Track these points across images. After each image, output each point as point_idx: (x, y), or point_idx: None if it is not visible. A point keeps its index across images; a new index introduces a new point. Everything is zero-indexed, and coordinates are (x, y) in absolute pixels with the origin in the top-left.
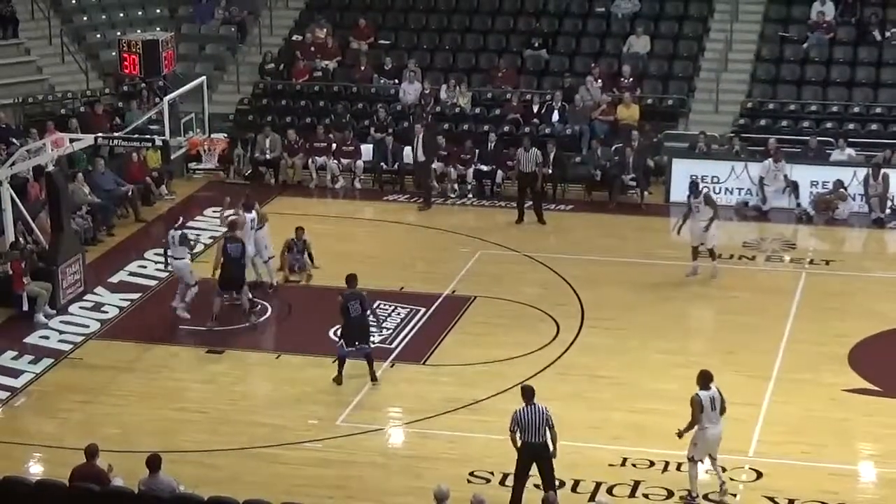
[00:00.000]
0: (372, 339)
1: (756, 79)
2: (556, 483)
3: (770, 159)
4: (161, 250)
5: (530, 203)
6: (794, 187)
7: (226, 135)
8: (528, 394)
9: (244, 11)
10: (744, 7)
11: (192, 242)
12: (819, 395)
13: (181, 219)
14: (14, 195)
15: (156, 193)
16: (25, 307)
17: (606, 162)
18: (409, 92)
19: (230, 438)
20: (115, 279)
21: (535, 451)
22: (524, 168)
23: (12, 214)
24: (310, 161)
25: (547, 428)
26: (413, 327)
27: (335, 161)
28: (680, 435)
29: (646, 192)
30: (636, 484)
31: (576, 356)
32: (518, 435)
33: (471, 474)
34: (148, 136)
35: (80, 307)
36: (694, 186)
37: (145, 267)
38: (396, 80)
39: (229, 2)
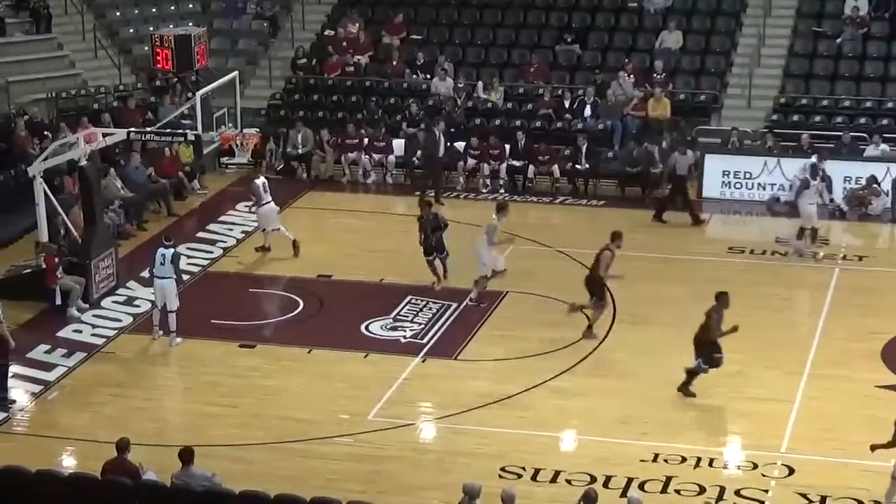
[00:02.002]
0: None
1: (789, 74)
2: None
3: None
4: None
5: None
6: (828, 183)
7: (257, 130)
8: None
9: (276, 6)
10: (777, 2)
11: (181, 263)
12: (852, 391)
13: (172, 238)
14: (47, 189)
15: (188, 188)
16: (58, 301)
17: (638, 158)
18: (440, 89)
19: (262, 433)
20: (147, 273)
21: None
22: (680, 171)
23: (51, 208)
24: (342, 156)
25: None
26: (445, 322)
27: (367, 156)
28: (873, 449)
29: None
30: (668, 479)
31: (608, 352)
32: None
33: (502, 469)
34: (180, 131)
35: (113, 301)
36: (814, 168)
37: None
38: (428, 76)
39: None
